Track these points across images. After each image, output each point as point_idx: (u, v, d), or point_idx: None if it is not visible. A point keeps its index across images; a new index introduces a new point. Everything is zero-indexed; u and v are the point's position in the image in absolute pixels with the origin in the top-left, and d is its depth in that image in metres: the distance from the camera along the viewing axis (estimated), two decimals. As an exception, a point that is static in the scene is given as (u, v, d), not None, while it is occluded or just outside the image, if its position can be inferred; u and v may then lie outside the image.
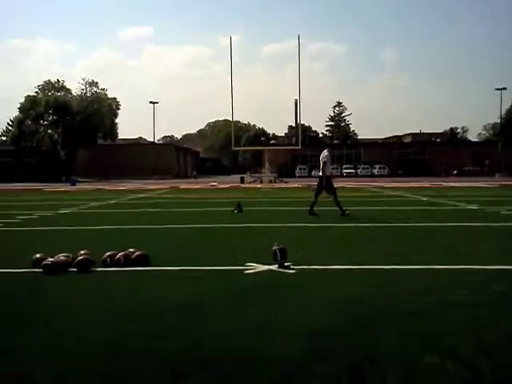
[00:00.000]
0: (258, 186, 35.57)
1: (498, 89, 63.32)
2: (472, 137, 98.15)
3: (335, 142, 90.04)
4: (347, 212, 11.35)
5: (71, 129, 59.64)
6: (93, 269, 5.60)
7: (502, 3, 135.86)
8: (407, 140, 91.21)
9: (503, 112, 69.08)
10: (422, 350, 3.11)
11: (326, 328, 3.55)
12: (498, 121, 70.90)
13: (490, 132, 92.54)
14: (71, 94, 65.18)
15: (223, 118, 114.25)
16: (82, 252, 5.88)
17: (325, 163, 11.93)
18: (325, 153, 12.10)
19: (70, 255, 5.77)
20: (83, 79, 65.84)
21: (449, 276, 5.19)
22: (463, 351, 3.07)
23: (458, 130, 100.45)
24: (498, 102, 64.94)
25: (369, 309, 4.03)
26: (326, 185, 11.84)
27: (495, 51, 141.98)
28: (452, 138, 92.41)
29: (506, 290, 4.52)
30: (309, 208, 11.70)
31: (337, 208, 11.55)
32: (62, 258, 5.64)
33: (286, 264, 5.67)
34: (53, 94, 63.47)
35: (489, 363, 2.90)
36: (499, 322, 3.60)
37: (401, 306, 4.05)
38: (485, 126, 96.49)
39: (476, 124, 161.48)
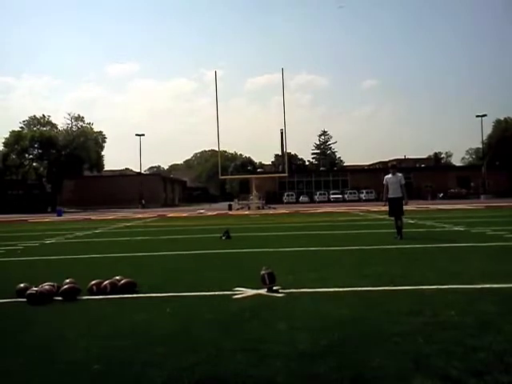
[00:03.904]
0: (246, 212, 35.54)
1: (478, 115, 64.66)
2: (456, 161, 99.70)
3: (321, 169, 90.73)
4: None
5: (57, 162, 59.57)
6: (78, 297, 5.50)
7: (485, 33, 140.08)
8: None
9: (485, 137, 70.47)
10: (412, 371, 3.08)
11: (314, 350, 3.51)
12: (481, 146, 72.27)
13: (473, 156, 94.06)
14: (57, 128, 65.48)
15: (210, 149, 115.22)
16: (68, 281, 5.79)
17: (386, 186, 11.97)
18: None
19: (55, 284, 5.66)
20: (69, 114, 66.68)
21: (436, 296, 5.18)
22: (454, 371, 3.04)
23: (442, 155, 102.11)
24: (479, 127, 66.11)
25: (357, 330, 4.00)
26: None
27: (476, 79, 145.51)
28: (436, 163, 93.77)
29: (492, 310, 4.51)
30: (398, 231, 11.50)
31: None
32: (46, 287, 5.54)
33: (274, 288, 5.63)
34: (38, 128, 63.65)
35: (479, 382, 2.88)
36: (486, 342, 3.58)
37: (389, 327, 4.03)
38: (468, 151, 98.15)
39: (459, 149, 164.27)
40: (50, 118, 66.11)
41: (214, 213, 35.07)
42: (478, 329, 3.93)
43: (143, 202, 60.07)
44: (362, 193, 65.54)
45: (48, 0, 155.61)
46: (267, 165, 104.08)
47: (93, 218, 32.00)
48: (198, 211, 37.84)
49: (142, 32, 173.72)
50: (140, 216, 31.92)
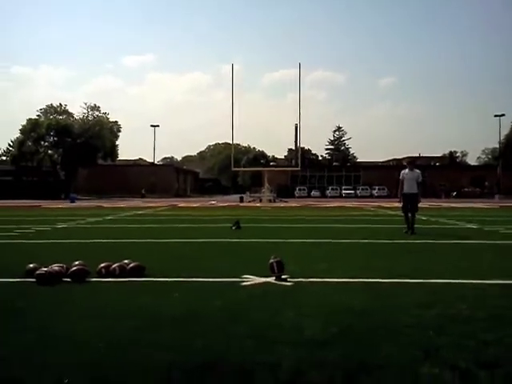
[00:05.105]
0: (257, 204, 35.52)
1: (496, 115, 63.84)
2: (471, 161, 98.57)
3: (334, 164, 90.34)
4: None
5: (72, 150, 59.96)
6: (87, 279, 5.51)
7: (503, 31, 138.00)
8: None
9: (502, 137, 69.56)
10: (421, 361, 3.02)
11: (323, 338, 3.46)
12: (497, 146, 71.34)
13: (489, 156, 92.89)
14: (73, 117, 65.91)
15: (223, 141, 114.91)
16: (77, 262, 5.81)
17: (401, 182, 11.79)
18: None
19: (65, 265, 5.68)
20: (85, 103, 66.92)
21: (448, 290, 5.11)
22: (463, 363, 2.98)
23: (458, 154, 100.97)
24: (497, 127, 65.09)
25: (367, 320, 3.94)
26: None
27: (495, 78, 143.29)
28: (451, 162, 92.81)
29: (504, 305, 4.44)
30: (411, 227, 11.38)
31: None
32: (55, 267, 5.55)
33: (283, 277, 5.59)
34: (55, 117, 64.14)
35: (488, 375, 2.82)
36: (498, 336, 3.51)
37: (400, 319, 3.97)
38: (484, 151, 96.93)
39: (475, 149, 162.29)
40: (67, 107, 66.59)
41: (225, 204, 35.09)
42: (489, 322, 3.85)
43: (143, 191, 60.12)
44: (375, 189, 65.11)
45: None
46: (280, 159, 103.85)
47: (105, 205, 32.22)
48: (210, 202, 37.93)
49: (159, 25, 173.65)
50: (152, 205, 32.05)
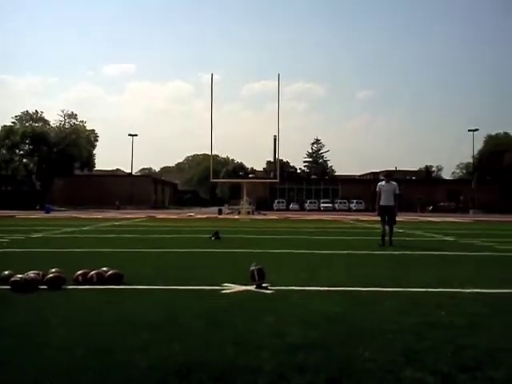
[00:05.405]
0: (236, 217, 35.44)
1: (470, 130, 65.27)
2: (446, 175, 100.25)
3: (313, 177, 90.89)
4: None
5: (47, 158, 59.08)
6: (64, 287, 5.40)
7: (478, 47, 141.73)
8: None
9: (476, 152, 71.10)
10: (402, 365, 3.03)
11: (303, 342, 3.45)
12: (471, 160, 72.81)
13: (464, 171, 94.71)
14: (49, 125, 64.90)
15: (202, 152, 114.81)
16: (53, 270, 5.68)
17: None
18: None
19: (41, 272, 5.55)
20: (62, 111, 65.93)
21: (427, 298, 5.16)
22: (444, 366, 3.01)
23: (433, 169, 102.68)
24: (471, 142, 66.52)
25: (348, 326, 3.95)
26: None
27: (469, 93, 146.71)
28: (427, 176, 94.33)
29: (482, 312, 4.50)
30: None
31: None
32: (31, 274, 5.43)
33: (263, 285, 5.57)
34: (30, 124, 63.10)
35: (469, 377, 2.84)
36: (477, 341, 3.55)
37: (380, 325, 3.99)
38: (458, 165, 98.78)
39: (450, 163, 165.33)
40: (43, 115, 65.59)
41: (204, 216, 34.93)
42: (468, 328, 3.90)
43: (117, 203, 59.50)
44: (352, 203, 65.64)
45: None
46: (259, 171, 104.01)
47: (82, 216, 31.73)
48: (188, 214, 37.70)
49: (139, 33, 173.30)
50: (129, 216, 31.70)
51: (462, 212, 57.38)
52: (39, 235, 13.53)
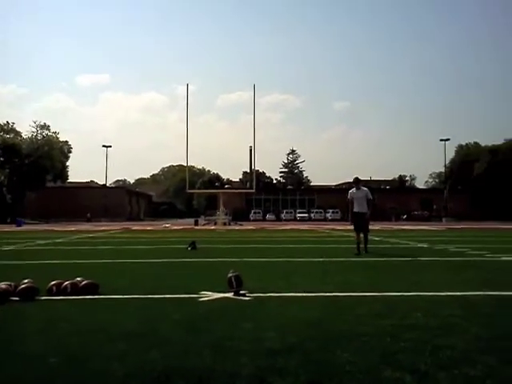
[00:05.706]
0: (212, 227, 35.30)
1: (442, 139, 66.74)
2: (419, 184, 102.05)
3: (289, 187, 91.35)
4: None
5: (19, 171, 57.89)
6: (37, 297, 5.27)
7: (450, 60, 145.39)
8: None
9: (447, 161, 72.62)
10: (381, 366, 3.05)
11: (281, 347, 3.44)
12: (443, 170, 74.33)
13: (436, 180, 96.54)
14: (21, 136, 63.64)
15: (177, 164, 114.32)
16: (26, 281, 5.55)
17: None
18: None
19: (12, 284, 5.42)
20: (34, 122, 64.77)
21: (402, 302, 5.22)
22: (422, 366, 3.04)
23: (407, 178, 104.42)
24: (443, 152, 68.11)
25: (325, 330, 3.96)
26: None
27: (440, 105, 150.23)
28: (401, 185, 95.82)
29: (456, 314, 4.57)
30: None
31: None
32: (3, 286, 5.29)
33: (241, 292, 5.55)
34: (1, 135, 61.78)
35: (448, 375, 2.88)
36: (452, 341, 3.60)
37: (357, 328, 4.01)
38: (431, 175, 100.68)
39: (423, 172, 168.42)
40: (15, 126, 64.25)
41: (180, 227, 34.68)
42: (444, 330, 3.95)
43: (88, 215, 58.72)
44: (328, 212, 66.15)
45: (18, 7, 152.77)
46: (235, 181, 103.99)
47: (55, 228, 31.12)
48: (164, 225, 37.36)
49: (113, 44, 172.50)
50: (104, 228, 31.24)
51: (435, 220, 58.39)
52: (11, 248, 13.20)
